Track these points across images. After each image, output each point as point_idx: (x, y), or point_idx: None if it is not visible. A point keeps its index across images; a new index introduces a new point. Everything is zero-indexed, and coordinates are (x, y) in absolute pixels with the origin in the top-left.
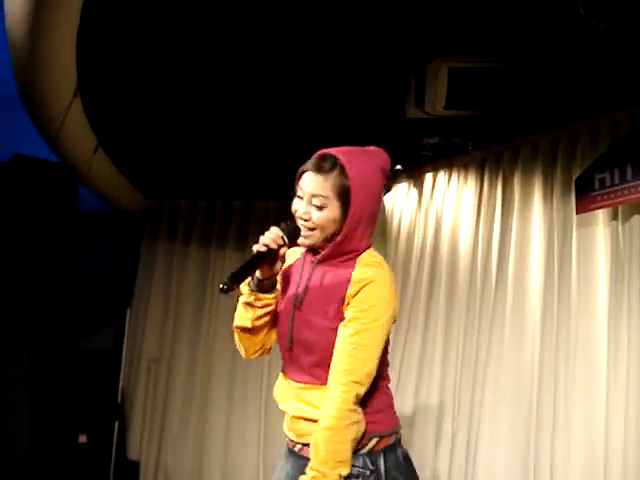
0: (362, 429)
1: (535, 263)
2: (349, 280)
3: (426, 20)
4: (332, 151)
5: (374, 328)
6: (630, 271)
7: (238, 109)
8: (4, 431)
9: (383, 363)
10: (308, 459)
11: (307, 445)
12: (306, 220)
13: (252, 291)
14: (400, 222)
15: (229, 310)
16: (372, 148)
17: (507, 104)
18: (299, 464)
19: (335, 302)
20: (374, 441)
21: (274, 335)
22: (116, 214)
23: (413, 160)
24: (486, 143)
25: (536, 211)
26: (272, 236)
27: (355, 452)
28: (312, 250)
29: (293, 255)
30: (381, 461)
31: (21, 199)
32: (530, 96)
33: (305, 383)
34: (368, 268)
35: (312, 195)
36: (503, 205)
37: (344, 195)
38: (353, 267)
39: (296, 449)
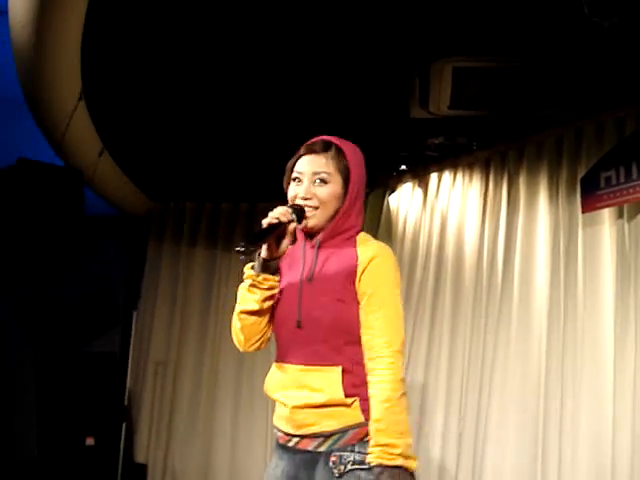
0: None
1: (541, 262)
2: (356, 258)
3: (430, 20)
4: (322, 137)
5: (393, 298)
6: (636, 270)
7: (243, 109)
8: (12, 434)
9: None
10: (305, 452)
11: (306, 437)
12: (310, 199)
13: (258, 273)
14: (405, 222)
15: None
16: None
17: (512, 103)
18: (295, 459)
19: (344, 279)
20: None
21: (271, 327)
22: (122, 217)
23: (418, 160)
24: (491, 143)
25: (542, 210)
26: (281, 210)
27: (360, 440)
28: (309, 237)
29: (290, 249)
30: None
31: (26, 203)
32: (535, 95)
33: (308, 365)
34: (370, 244)
35: (314, 173)
36: (508, 204)
37: (344, 171)
38: (354, 246)
39: (290, 444)
